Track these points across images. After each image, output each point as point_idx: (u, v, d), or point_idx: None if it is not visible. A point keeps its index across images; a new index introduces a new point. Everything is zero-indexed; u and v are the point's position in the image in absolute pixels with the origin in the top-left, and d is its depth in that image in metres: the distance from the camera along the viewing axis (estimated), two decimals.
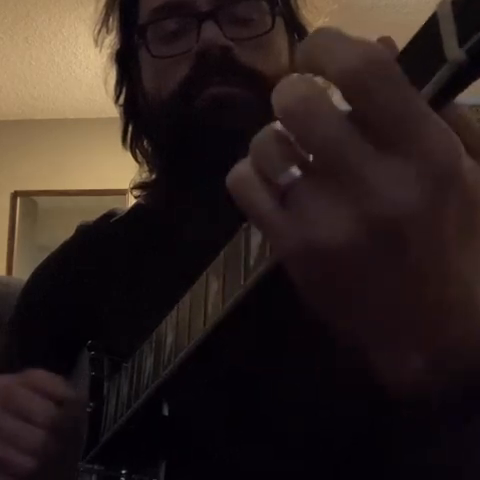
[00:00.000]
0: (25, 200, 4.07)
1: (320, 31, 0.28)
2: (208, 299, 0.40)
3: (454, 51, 0.26)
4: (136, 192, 0.81)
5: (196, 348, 0.41)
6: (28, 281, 0.84)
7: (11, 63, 3.54)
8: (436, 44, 0.27)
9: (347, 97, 0.27)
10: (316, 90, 0.28)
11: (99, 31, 0.79)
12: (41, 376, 0.63)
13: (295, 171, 0.29)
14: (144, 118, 0.76)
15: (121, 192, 3.34)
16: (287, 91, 0.28)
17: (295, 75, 0.29)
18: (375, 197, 0.27)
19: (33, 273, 0.84)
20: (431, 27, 0.27)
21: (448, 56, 0.26)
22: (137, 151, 0.80)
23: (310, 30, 0.78)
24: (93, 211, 0.86)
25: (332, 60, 0.27)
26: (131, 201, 0.87)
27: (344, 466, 0.61)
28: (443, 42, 0.26)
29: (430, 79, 0.27)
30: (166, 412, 0.57)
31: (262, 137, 0.30)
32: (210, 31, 0.66)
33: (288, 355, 0.63)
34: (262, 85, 0.68)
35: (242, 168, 0.31)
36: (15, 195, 4.00)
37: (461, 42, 0.26)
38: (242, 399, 0.64)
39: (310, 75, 0.28)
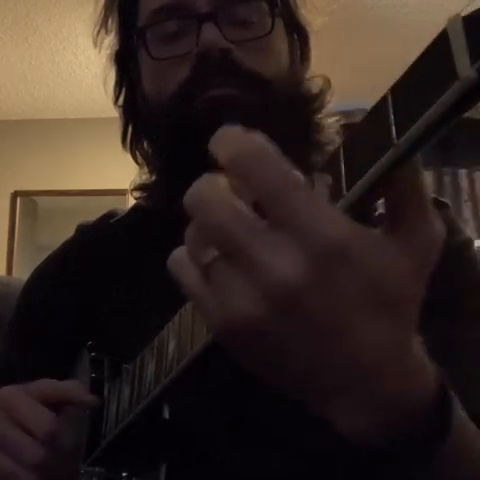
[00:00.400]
0: (25, 200, 4.07)
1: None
2: None
3: (466, 69, 0.26)
4: (136, 193, 0.81)
5: (198, 355, 0.41)
6: (28, 281, 0.83)
7: (11, 63, 3.53)
8: (446, 61, 0.27)
9: (234, 182, 0.31)
10: (210, 186, 0.32)
11: (98, 32, 0.79)
12: (47, 385, 0.63)
13: (213, 252, 0.32)
14: (144, 119, 0.75)
15: (121, 192, 3.33)
16: (190, 190, 0.32)
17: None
18: (267, 273, 0.30)
19: (33, 273, 0.84)
20: (441, 43, 0.27)
21: (460, 74, 0.26)
22: (137, 152, 0.80)
23: (310, 30, 0.78)
24: (93, 211, 0.86)
25: (217, 151, 0.32)
26: (131, 201, 0.87)
27: (345, 469, 0.61)
28: (454, 59, 0.26)
29: (440, 96, 0.27)
30: (167, 415, 0.56)
31: (190, 224, 0.34)
32: (210, 33, 0.66)
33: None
34: (262, 87, 0.68)
35: (178, 251, 0.35)
36: (15, 195, 3.99)
37: (473, 60, 0.26)
38: (243, 403, 0.64)
39: (208, 175, 0.33)
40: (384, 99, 0.31)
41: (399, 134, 0.29)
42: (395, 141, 0.29)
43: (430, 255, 0.33)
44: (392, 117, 0.30)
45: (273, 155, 0.30)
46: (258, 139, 0.31)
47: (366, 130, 0.32)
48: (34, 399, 0.60)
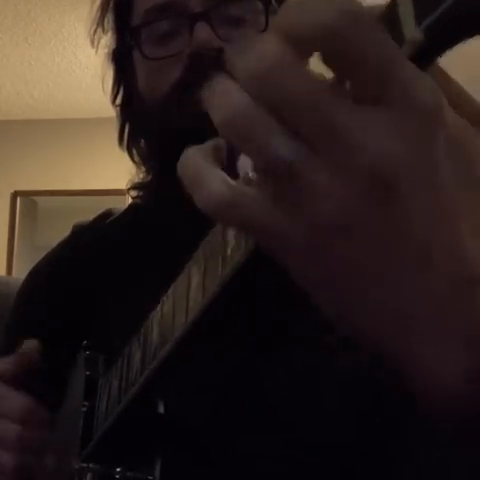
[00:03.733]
0: (25, 200, 4.07)
1: None
2: (190, 292, 0.40)
3: (411, 31, 0.26)
4: (133, 192, 0.82)
5: (179, 342, 0.41)
6: (24, 281, 0.84)
7: (11, 63, 3.54)
8: (395, 26, 0.26)
9: (323, 52, 0.26)
10: (283, 58, 0.25)
11: (95, 31, 0.79)
12: (5, 364, 0.64)
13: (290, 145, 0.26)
14: (139, 119, 0.76)
15: (121, 192, 3.30)
16: (252, 58, 0.26)
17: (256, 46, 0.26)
18: (362, 153, 0.25)
19: (29, 273, 0.84)
20: (391, 8, 0.27)
21: (406, 36, 0.26)
22: (134, 151, 0.80)
23: None
24: (93, 211, 0.86)
25: (309, 16, 0.25)
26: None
27: (349, 466, 0.61)
28: (401, 22, 0.26)
29: None
30: (162, 410, 0.57)
31: (239, 119, 0.26)
32: (203, 32, 0.66)
33: (286, 350, 0.63)
34: None
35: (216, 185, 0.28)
36: (15, 195, 4.00)
37: (419, 22, 0.25)
38: (239, 397, 0.64)
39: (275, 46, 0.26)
40: None
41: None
42: None
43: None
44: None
45: (369, 22, 0.25)
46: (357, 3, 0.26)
47: None
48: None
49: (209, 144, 0.31)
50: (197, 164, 0.29)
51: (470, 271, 0.28)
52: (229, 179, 0.28)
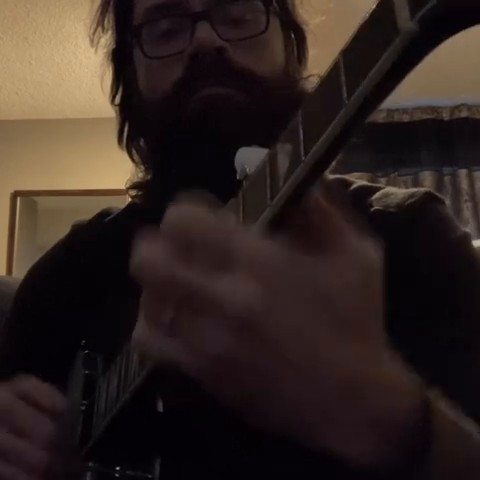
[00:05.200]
0: (25, 200, 4.07)
1: None
2: None
3: (406, 22, 0.26)
4: (132, 192, 0.81)
5: None
6: (23, 280, 0.83)
7: (11, 63, 3.54)
8: (389, 17, 0.26)
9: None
10: (148, 251, 0.36)
11: (95, 30, 0.79)
12: (34, 388, 0.62)
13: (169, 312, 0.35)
14: (139, 118, 0.76)
15: (121, 192, 3.29)
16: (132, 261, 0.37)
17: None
18: (225, 305, 0.33)
19: (28, 272, 0.84)
20: (384, 1, 0.27)
21: (400, 27, 0.26)
22: (133, 151, 0.80)
23: (306, 29, 0.78)
24: (93, 211, 0.86)
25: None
26: None
27: (345, 471, 0.61)
28: (396, 13, 0.26)
29: (384, 51, 0.27)
30: (160, 408, 0.57)
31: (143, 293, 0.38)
32: (204, 32, 0.66)
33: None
34: (257, 86, 0.68)
35: (137, 331, 0.38)
36: (15, 195, 4.00)
37: (413, 13, 0.25)
38: None
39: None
40: (336, 60, 0.31)
41: (349, 94, 0.29)
42: (346, 101, 0.29)
43: (368, 265, 0.36)
44: (343, 78, 0.30)
45: (202, 218, 0.35)
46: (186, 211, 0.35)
47: (321, 93, 0.32)
48: (26, 402, 0.60)
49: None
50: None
51: (350, 377, 0.35)
52: (145, 327, 0.37)
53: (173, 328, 0.35)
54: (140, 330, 0.37)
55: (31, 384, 0.62)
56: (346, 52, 0.30)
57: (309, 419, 0.35)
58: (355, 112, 0.29)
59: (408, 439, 0.37)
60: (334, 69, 0.31)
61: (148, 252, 0.36)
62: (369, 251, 0.37)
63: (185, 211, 0.36)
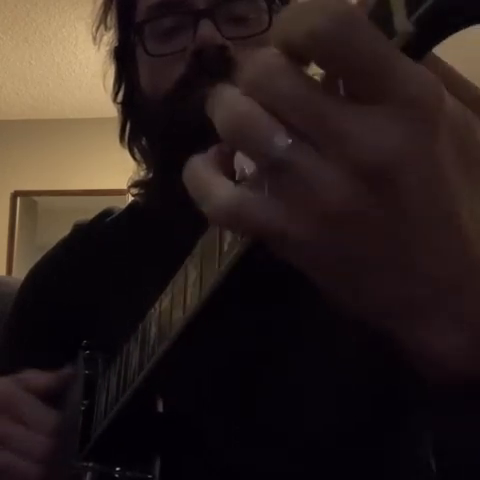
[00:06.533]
0: (25, 200, 4.07)
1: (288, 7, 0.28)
2: (187, 288, 0.40)
3: (402, 23, 0.25)
4: (134, 190, 0.81)
5: (178, 338, 0.41)
6: (24, 280, 0.83)
7: (11, 63, 3.54)
8: (386, 17, 0.26)
9: (317, 57, 0.26)
10: (277, 60, 0.27)
11: (97, 28, 0.79)
12: (37, 378, 0.64)
13: (285, 139, 0.27)
14: (141, 116, 0.75)
15: (121, 192, 3.32)
16: (250, 66, 0.28)
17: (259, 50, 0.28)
18: (361, 147, 0.26)
19: (29, 273, 0.84)
20: (382, 1, 0.27)
21: (397, 28, 0.26)
22: (135, 149, 0.80)
23: None
24: (93, 211, 0.86)
25: (300, 24, 0.26)
26: None
27: (343, 468, 0.61)
28: (393, 14, 0.26)
29: None
30: (161, 409, 0.56)
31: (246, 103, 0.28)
32: (206, 29, 0.66)
33: (291, 351, 0.63)
34: None
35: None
36: (15, 195, 4.00)
37: (409, 13, 0.25)
38: (241, 397, 0.64)
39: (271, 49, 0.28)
40: None
41: None
42: None
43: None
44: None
45: (360, 22, 0.26)
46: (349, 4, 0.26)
47: None
48: (31, 394, 0.61)
49: (212, 151, 0.32)
50: (202, 174, 0.30)
51: (470, 257, 0.28)
52: (234, 187, 0.29)
53: (281, 183, 0.27)
54: (227, 194, 0.28)
55: (31, 374, 0.63)
56: None
57: (420, 298, 0.28)
58: None
59: None
60: None
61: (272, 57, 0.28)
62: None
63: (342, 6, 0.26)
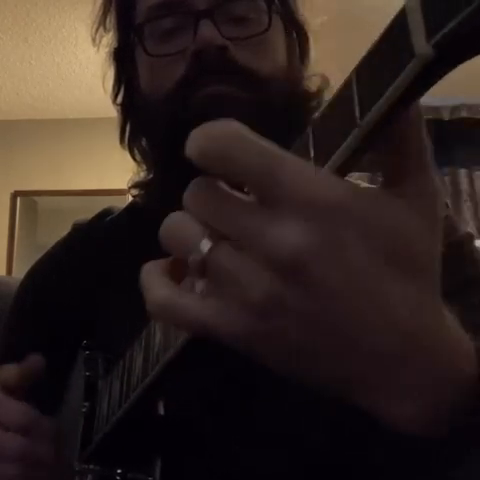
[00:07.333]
0: (25, 200, 4.07)
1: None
2: None
3: (422, 46, 0.25)
4: (134, 191, 0.81)
5: (183, 346, 0.41)
6: (23, 280, 0.83)
7: (11, 63, 3.54)
8: (405, 39, 0.26)
9: (215, 173, 0.30)
10: (200, 179, 0.31)
11: (97, 30, 0.79)
12: (10, 373, 0.62)
13: (206, 243, 0.31)
14: (141, 116, 0.75)
15: (121, 192, 3.32)
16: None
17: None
18: (270, 245, 0.29)
19: (28, 272, 0.84)
20: (400, 21, 0.27)
21: (416, 51, 0.26)
22: (135, 150, 0.80)
23: (308, 28, 0.78)
24: (93, 211, 0.86)
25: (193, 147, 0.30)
26: None
27: (343, 470, 0.61)
28: (411, 36, 0.26)
29: (399, 74, 0.27)
30: (162, 411, 0.56)
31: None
32: (206, 30, 0.66)
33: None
34: (259, 84, 0.68)
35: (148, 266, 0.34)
36: (15, 195, 4.00)
37: (429, 36, 0.25)
38: (241, 399, 0.63)
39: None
40: (349, 79, 0.30)
41: (362, 115, 0.29)
42: (358, 122, 0.29)
43: (437, 211, 0.31)
44: (356, 98, 0.29)
45: (250, 136, 0.29)
46: (230, 125, 0.30)
47: (333, 111, 0.32)
48: (6, 391, 0.60)
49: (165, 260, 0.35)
50: (149, 271, 0.34)
51: (409, 331, 0.30)
52: (171, 286, 0.32)
53: (208, 282, 0.30)
54: (163, 293, 0.32)
55: (9, 372, 0.62)
56: (359, 71, 0.30)
57: (363, 375, 0.31)
58: (366, 133, 0.29)
59: (468, 398, 0.33)
60: (347, 87, 0.30)
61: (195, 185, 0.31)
62: (441, 193, 0.32)
63: (225, 128, 0.30)
